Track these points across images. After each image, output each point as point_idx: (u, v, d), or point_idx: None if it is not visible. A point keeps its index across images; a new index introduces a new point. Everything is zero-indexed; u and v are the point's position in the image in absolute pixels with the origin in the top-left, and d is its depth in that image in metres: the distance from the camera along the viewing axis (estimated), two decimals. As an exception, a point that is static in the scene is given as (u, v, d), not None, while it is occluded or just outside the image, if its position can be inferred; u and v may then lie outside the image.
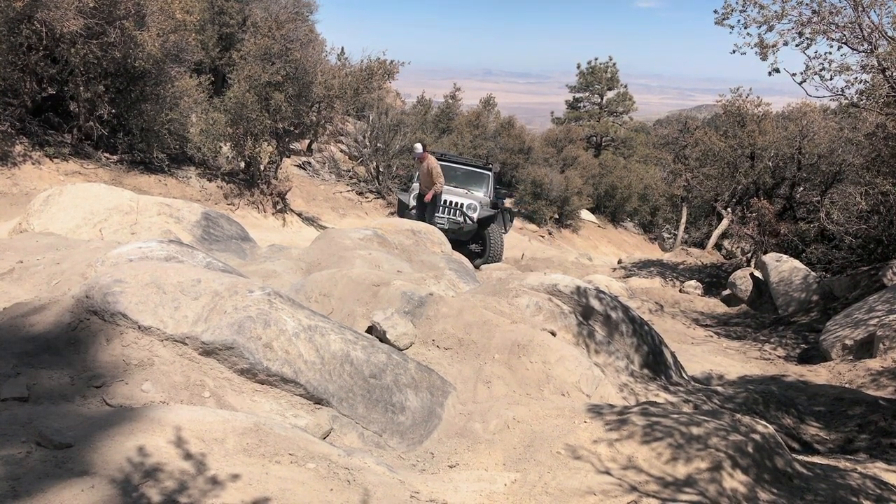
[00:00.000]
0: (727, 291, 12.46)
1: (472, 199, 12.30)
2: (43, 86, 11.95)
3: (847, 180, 14.42)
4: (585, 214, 28.99)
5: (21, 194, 10.26)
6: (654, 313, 10.26)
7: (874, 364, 6.79)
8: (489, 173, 13.61)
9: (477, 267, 10.83)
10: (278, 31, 13.69)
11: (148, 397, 2.70)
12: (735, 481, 2.77)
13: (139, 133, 12.56)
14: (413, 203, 12.19)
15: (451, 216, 12.03)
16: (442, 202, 12.15)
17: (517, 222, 22.55)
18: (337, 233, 7.08)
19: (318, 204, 17.83)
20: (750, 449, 2.95)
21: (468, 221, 12.02)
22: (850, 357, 7.21)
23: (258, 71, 13.32)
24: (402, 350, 3.85)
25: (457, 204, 12.12)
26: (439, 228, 9.28)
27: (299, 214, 15.51)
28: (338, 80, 14.42)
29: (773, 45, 7.49)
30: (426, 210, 11.52)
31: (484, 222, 12.18)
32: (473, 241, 12.47)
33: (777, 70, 7.66)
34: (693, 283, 13.55)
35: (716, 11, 7.80)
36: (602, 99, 40.01)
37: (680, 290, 13.30)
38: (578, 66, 40.05)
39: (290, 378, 3.03)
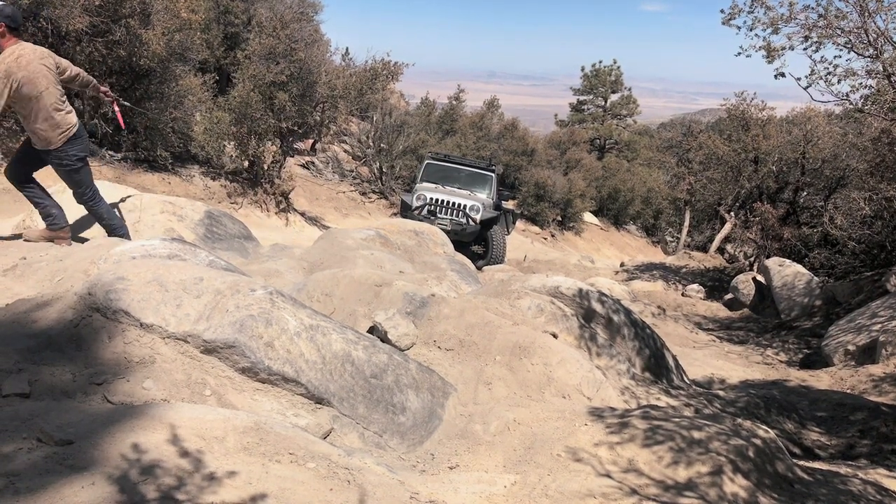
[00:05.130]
0: (730, 295, 12.45)
1: (475, 201, 12.30)
2: (48, 83, 11.96)
3: (851, 185, 14.41)
4: (588, 217, 28.98)
5: (25, 191, 10.26)
6: (657, 317, 10.25)
7: (876, 370, 6.78)
8: (492, 175, 13.61)
9: (479, 268, 10.83)
10: (283, 31, 13.71)
11: (149, 395, 2.70)
12: (736, 486, 2.77)
13: (143, 131, 12.59)
14: (416, 203, 12.18)
15: (453, 217, 12.03)
16: (445, 203, 12.15)
17: (520, 224, 22.56)
18: (339, 233, 7.08)
19: (321, 204, 17.85)
20: (751, 453, 2.95)
21: (471, 223, 12.02)
22: (853, 362, 7.20)
23: (262, 70, 13.34)
24: (403, 350, 3.84)
25: (460, 205, 12.12)
26: (442, 230, 9.28)
27: (302, 214, 15.52)
28: (342, 81, 14.44)
29: (781, 48, 7.48)
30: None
31: (486, 224, 12.18)
32: (476, 243, 12.47)
33: (783, 74, 7.64)
34: (695, 286, 13.54)
35: (722, 11, 7.78)
36: (606, 102, 40.02)
37: (682, 294, 13.29)
38: (583, 69, 40.08)
39: (292, 377, 3.03)
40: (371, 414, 3.17)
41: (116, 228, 5.25)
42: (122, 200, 6.31)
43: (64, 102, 4.74)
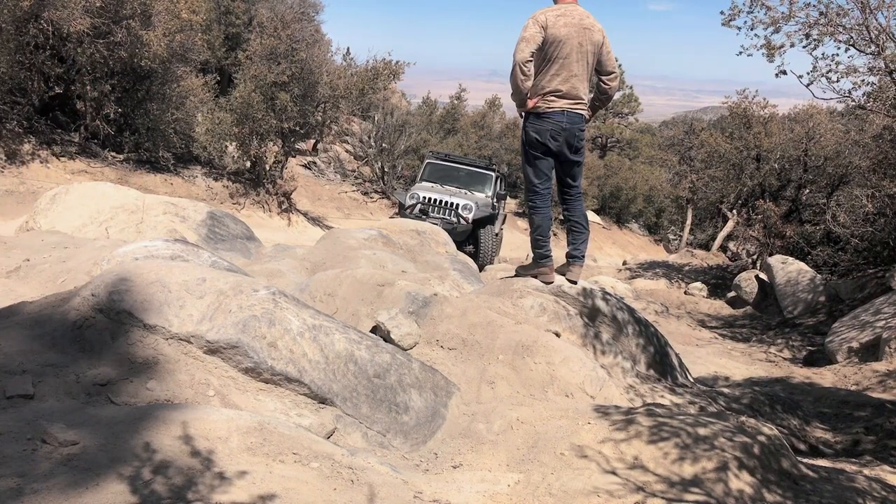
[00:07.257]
0: (732, 293, 12.43)
1: (468, 200, 12.30)
2: (50, 85, 12.00)
3: (853, 182, 14.38)
4: (590, 215, 28.96)
5: (28, 193, 10.30)
6: (660, 315, 10.24)
7: (880, 367, 6.76)
8: (492, 174, 13.62)
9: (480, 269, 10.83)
10: (284, 31, 13.73)
11: (152, 396, 2.70)
12: (741, 482, 2.76)
13: (145, 132, 12.62)
14: (408, 202, 12.20)
15: (444, 216, 12.02)
16: (437, 202, 12.16)
17: (522, 223, 22.55)
18: (342, 233, 7.08)
19: (323, 204, 17.87)
20: (756, 450, 2.94)
21: (462, 222, 12.01)
22: (856, 359, 7.18)
23: (264, 71, 13.36)
24: (406, 350, 3.84)
25: (451, 204, 12.12)
26: None
27: (304, 214, 15.54)
28: (343, 81, 14.46)
29: (781, 47, 7.46)
30: None
31: (480, 223, 12.17)
32: (470, 243, 12.46)
33: (784, 72, 7.62)
34: (698, 284, 13.53)
35: (722, 12, 7.77)
36: (607, 100, 39.92)
37: (685, 292, 13.27)
38: (584, 68, 39.96)
39: (295, 377, 3.03)
40: (374, 413, 3.17)
41: None
42: (125, 202, 6.32)
43: None
